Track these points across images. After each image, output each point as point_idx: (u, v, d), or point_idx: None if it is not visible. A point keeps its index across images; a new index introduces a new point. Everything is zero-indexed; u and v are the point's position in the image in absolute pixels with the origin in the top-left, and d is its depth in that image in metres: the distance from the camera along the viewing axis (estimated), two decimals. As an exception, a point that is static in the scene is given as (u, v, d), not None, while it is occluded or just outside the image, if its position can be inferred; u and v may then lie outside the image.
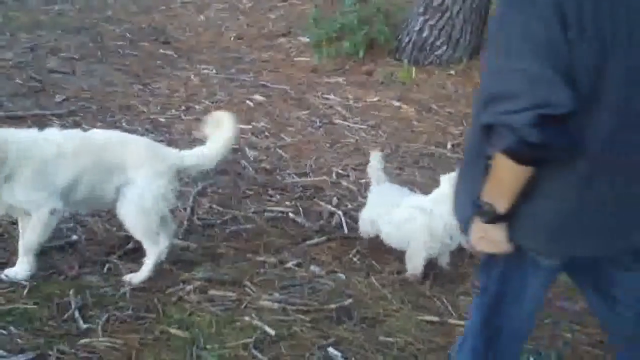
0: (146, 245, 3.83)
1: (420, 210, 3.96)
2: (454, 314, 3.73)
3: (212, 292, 3.74)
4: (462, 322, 3.61)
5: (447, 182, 3.85)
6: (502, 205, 2.07)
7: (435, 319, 3.67)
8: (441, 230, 3.90)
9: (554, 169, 2.00)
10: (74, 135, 3.87)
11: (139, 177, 3.76)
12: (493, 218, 2.11)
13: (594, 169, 2.01)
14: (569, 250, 2.20)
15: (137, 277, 3.78)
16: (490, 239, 2.17)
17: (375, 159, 4.27)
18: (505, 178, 2.01)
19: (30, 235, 3.69)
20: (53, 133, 3.81)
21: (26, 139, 3.69)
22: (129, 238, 3.99)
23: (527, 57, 1.85)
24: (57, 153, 3.66)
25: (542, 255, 2.22)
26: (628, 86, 1.95)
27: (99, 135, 3.97)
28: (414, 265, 3.97)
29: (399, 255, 4.11)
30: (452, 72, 7.61)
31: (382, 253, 4.21)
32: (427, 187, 4.51)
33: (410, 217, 3.95)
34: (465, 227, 2.29)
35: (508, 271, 2.30)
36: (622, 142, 2.00)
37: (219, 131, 4.00)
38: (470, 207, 2.17)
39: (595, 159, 2.00)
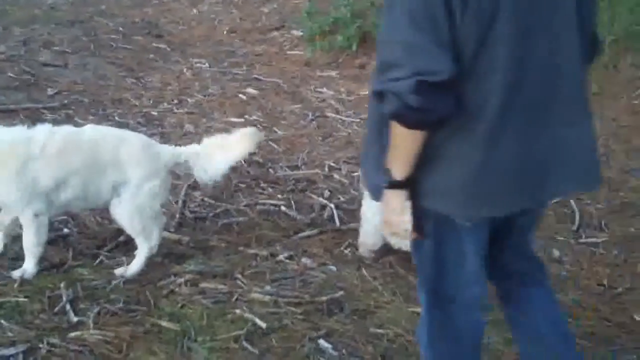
0: (139, 240, 3.83)
1: None
2: (444, 306, 3.74)
3: (203, 284, 3.74)
4: (452, 314, 3.63)
5: None
6: (398, 171, 2.17)
7: (426, 311, 3.67)
8: None
9: (459, 133, 2.10)
10: (62, 134, 3.75)
11: (136, 176, 3.75)
12: (391, 184, 2.19)
13: (497, 130, 2.10)
14: (482, 211, 2.25)
15: (128, 270, 3.77)
16: (390, 206, 2.24)
17: None
18: (399, 144, 2.12)
19: (27, 239, 3.70)
20: (40, 132, 3.71)
21: (9, 138, 3.65)
22: (120, 231, 3.99)
23: (409, 29, 1.96)
24: (40, 154, 3.61)
25: (460, 219, 2.26)
26: (517, 50, 2.04)
27: (92, 133, 3.87)
28: None
29: (390, 248, 4.12)
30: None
31: (374, 246, 4.21)
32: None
33: None
34: (373, 195, 2.37)
35: (440, 240, 2.34)
36: (520, 102, 2.10)
37: (229, 139, 3.98)
38: (377, 175, 2.26)
39: (496, 120, 2.09)
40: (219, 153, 3.93)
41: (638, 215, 4.75)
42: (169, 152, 3.97)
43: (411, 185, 2.20)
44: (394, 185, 2.20)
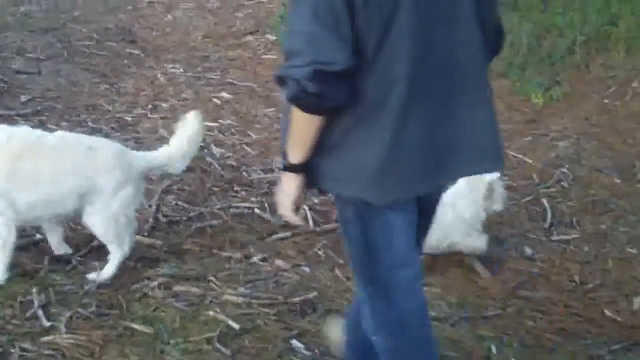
0: (112, 248, 3.82)
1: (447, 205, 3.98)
2: (417, 304, 3.76)
3: (176, 287, 3.74)
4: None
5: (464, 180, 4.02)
6: (295, 155, 2.29)
7: (399, 309, 3.69)
8: (469, 219, 4.06)
9: (366, 120, 2.22)
10: (22, 137, 3.73)
11: (108, 184, 3.72)
12: (286, 167, 2.33)
13: (403, 116, 2.21)
14: (394, 193, 2.33)
15: (101, 275, 3.76)
16: (283, 189, 2.37)
17: None
18: (298, 128, 2.25)
19: None
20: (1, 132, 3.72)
21: None
22: (92, 236, 3.97)
23: (312, 21, 2.09)
24: None
25: (377, 202, 2.33)
26: (418, 42, 2.16)
27: (57, 139, 3.82)
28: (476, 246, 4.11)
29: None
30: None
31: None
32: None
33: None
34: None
35: (365, 225, 2.41)
36: (423, 91, 2.22)
37: (185, 130, 4.04)
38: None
39: (401, 107, 2.20)
40: (186, 144, 4.02)
41: (609, 212, 4.81)
42: (142, 158, 3.95)
43: (315, 171, 2.31)
44: (289, 168, 2.32)
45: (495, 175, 4.02)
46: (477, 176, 3.96)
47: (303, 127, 2.24)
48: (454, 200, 3.97)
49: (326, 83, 2.10)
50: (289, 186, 2.35)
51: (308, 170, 2.32)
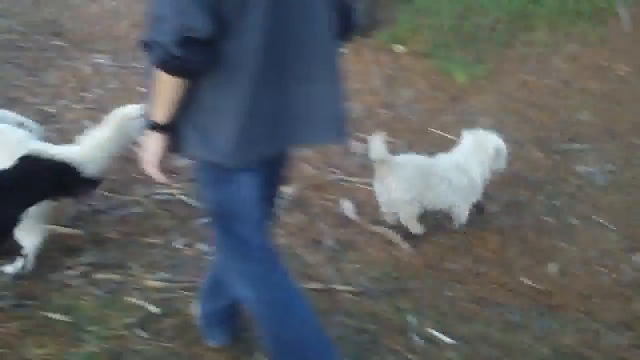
0: (18, 239, 3.72)
1: (460, 169, 4.27)
2: (339, 279, 3.81)
3: (96, 275, 3.72)
4: (346, 288, 3.72)
5: (470, 136, 4.34)
6: (159, 116, 2.39)
7: (321, 286, 3.74)
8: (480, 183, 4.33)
9: (224, 86, 2.35)
10: None
11: None
12: (151, 126, 2.42)
13: (256, 84, 2.36)
14: (247, 158, 2.46)
15: (15, 267, 3.71)
16: (146, 146, 2.47)
17: (378, 141, 4.10)
18: (162, 90, 2.34)
19: None
20: None
21: None
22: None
23: None
24: None
25: (230, 164, 2.45)
26: (272, 17, 2.30)
27: None
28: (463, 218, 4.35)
29: (286, 229, 4.18)
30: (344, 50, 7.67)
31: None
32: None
33: (454, 176, 4.22)
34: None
35: (220, 186, 2.53)
36: (275, 62, 2.37)
37: (102, 131, 3.88)
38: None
39: (255, 75, 2.34)
40: (99, 152, 3.86)
41: (527, 183, 4.93)
42: (42, 150, 3.77)
43: (178, 136, 2.42)
44: (154, 127, 2.42)
45: (497, 135, 4.30)
46: (483, 136, 4.28)
47: (167, 90, 2.33)
48: (467, 164, 4.25)
49: (190, 48, 2.20)
50: (154, 145, 2.44)
51: (172, 134, 2.43)
